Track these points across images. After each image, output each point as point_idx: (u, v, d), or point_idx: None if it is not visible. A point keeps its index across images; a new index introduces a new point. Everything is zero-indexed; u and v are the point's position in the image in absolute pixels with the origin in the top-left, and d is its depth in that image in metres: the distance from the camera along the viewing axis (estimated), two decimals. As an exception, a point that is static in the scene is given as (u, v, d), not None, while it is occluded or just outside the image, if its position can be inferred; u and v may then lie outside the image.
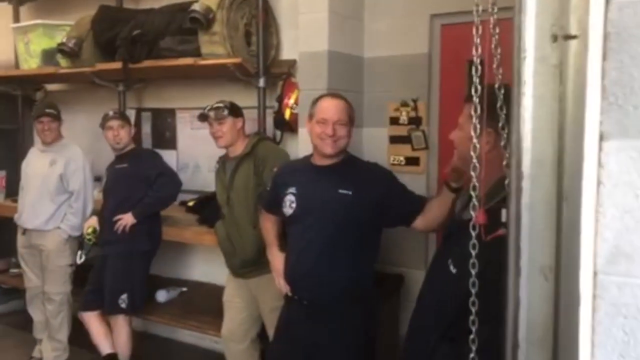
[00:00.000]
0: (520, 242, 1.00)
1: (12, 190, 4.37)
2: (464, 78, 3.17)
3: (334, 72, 3.16)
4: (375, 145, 3.44)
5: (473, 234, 1.29)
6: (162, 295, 3.87)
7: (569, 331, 0.92)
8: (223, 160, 3.18)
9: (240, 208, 3.02)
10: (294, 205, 2.47)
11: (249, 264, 3.01)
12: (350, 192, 2.37)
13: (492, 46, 1.23)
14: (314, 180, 2.47)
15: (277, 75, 3.55)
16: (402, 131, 3.36)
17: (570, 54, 0.90)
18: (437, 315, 1.78)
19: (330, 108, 2.41)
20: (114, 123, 3.51)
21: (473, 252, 1.28)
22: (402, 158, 3.38)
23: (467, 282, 1.39)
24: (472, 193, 1.27)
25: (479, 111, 1.27)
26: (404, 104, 3.34)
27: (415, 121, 3.32)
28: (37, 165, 3.83)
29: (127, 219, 3.45)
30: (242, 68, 3.35)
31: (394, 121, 3.39)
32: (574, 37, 0.90)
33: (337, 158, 2.45)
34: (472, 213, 1.29)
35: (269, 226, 2.75)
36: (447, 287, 1.70)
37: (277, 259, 2.65)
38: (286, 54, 3.68)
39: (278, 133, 3.60)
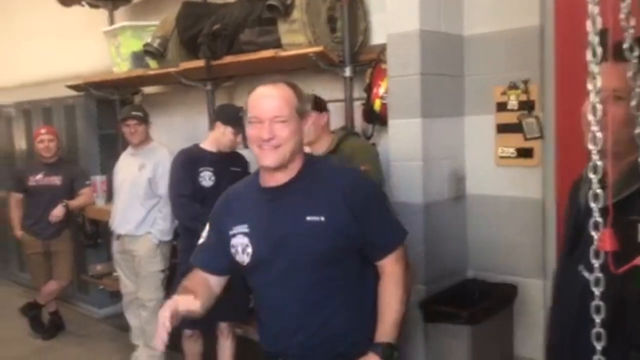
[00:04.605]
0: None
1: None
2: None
3: (428, 55, 2.79)
4: (479, 135, 3.02)
5: (596, 263, 0.89)
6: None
7: None
8: (307, 160, 2.89)
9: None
10: (249, 249, 1.77)
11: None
12: (322, 218, 1.69)
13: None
14: (270, 209, 1.77)
15: (367, 62, 3.20)
16: (511, 118, 2.90)
17: None
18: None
19: (262, 100, 1.71)
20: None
21: (596, 291, 0.88)
22: (512, 150, 2.93)
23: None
24: (594, 205, 0.88)
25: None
26: (513, 87, 2.88)
27: (527, 106, 2.85)
28: (127, 170, 3.80)
29: None
30: (325, 57, 3.04)
31: (502, 107, 2.94)
32: None
33: (291, 171, 1.75)
34: (594, 234, 0.89)
35: (197, 285, 1.82)
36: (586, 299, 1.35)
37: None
38: (377, 38, 3.32)
39: (368, 127, 3.25)
